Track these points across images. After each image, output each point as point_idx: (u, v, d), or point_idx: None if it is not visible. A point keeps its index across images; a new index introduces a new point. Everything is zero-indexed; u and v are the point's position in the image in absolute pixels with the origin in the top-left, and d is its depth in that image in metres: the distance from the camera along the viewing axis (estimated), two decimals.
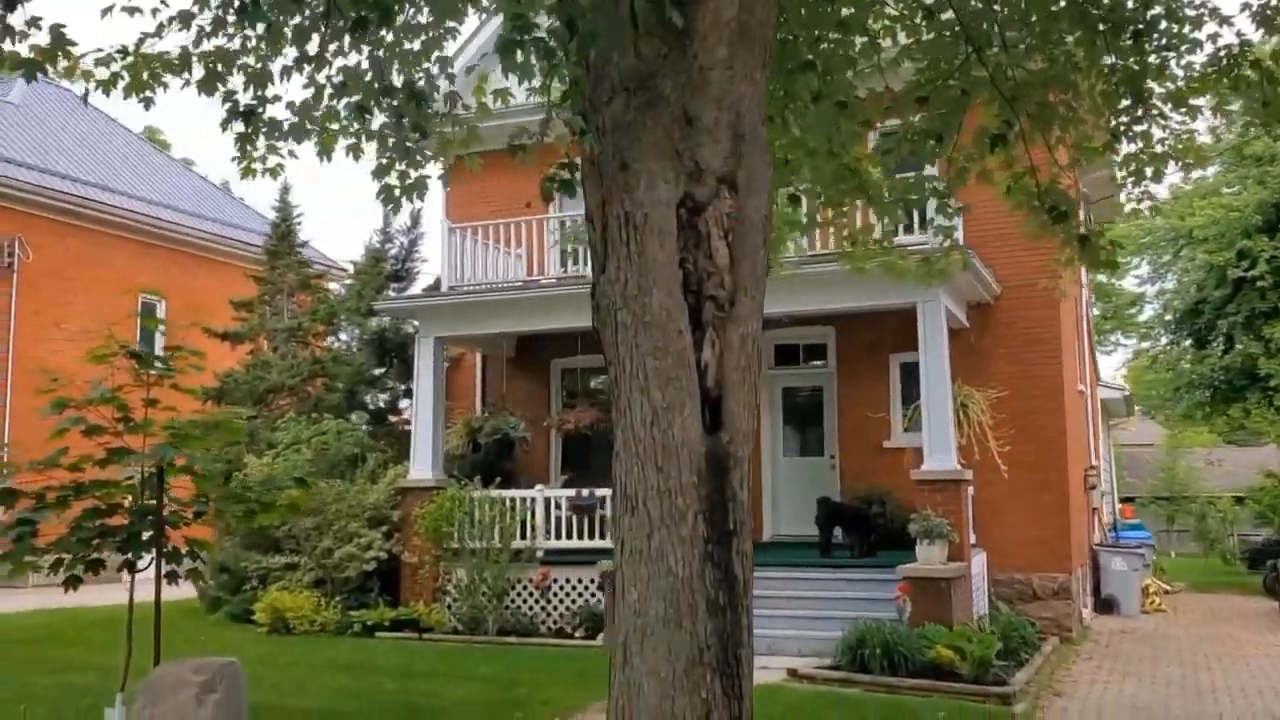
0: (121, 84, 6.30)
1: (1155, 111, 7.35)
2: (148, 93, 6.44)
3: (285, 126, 5.67)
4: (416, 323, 16.44)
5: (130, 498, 7.50)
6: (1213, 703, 10.14)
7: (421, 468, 14.87)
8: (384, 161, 5.60)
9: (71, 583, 7.29)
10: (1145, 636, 15.08)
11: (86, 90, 6.27)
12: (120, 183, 26.66)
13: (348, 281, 19.31)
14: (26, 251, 23.07)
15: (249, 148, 6.26)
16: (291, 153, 6.53)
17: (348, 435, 14.95)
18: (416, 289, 19.03)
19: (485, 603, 13.68)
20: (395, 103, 5.15)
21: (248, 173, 6.71)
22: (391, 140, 5.50)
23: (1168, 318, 38.58)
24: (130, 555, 7.36)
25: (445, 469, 15.21)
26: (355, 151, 6.18)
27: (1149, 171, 7.75)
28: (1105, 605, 17.73)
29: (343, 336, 18.91)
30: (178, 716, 6.84)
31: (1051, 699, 10.20)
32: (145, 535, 7.42)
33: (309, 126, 5.70)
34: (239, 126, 5.52)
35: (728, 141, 5.26)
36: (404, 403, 17.87)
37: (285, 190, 19.36)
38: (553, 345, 17.10)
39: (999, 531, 14.35)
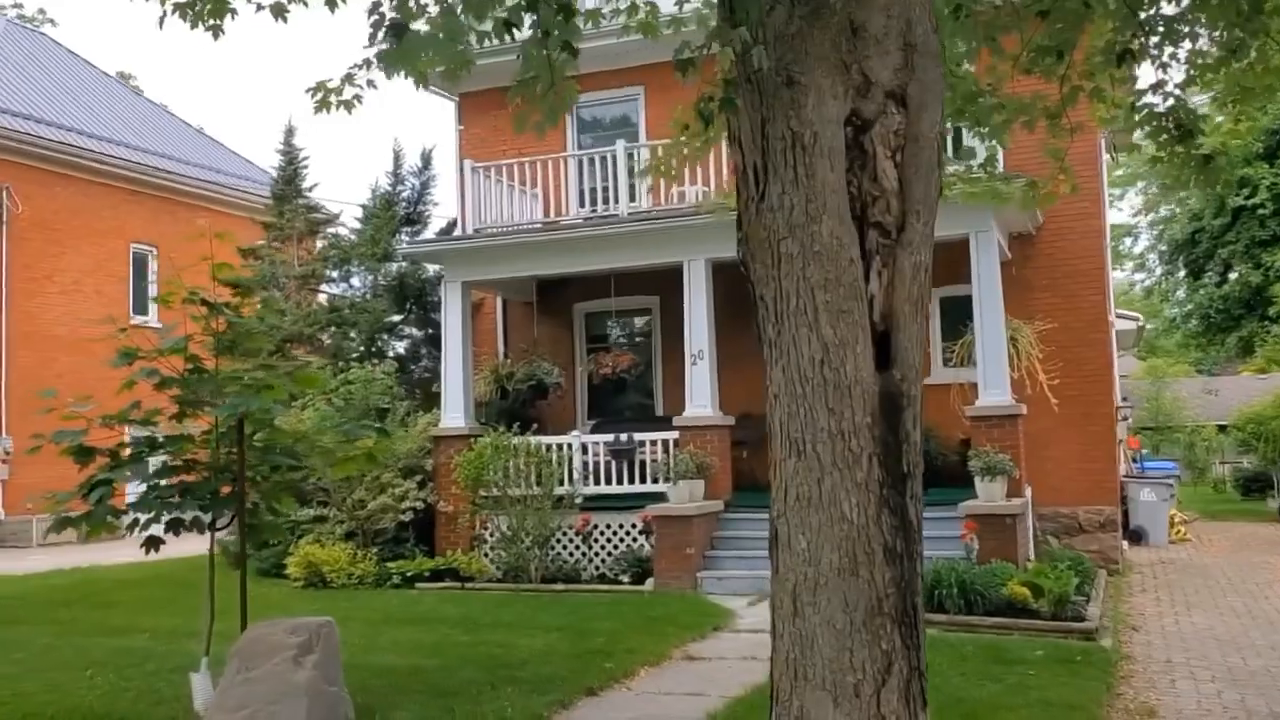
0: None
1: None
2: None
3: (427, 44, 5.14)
4: (437, 267, 15.97)
5: (207, 452, 7.11)
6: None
7: (454, 415, 14.48)
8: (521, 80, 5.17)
9: (151, 543, 6.91)
10: (1186, 567, 15.02)
11: (163, 14, 5.80)
12: (106, 129, 25.79)
13: (357, 226, 18.66)
14: (16, 202, 22.29)
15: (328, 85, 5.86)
16: (371, 82, 6.09)
17: (376, 384, 14.50)
18: (430, 233, 18.52)
19: (528, 550, 13.38)
20: (539, 16, 4.70)
21: (323, 105, 6.26)
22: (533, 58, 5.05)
23: (1163, 248, 38.53)
24: (211, 514, 6.97)
25: (475, 416, 14.85)
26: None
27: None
28: (1134, 536, 17.68)
29: (354, 283, 18.35)
30: (276, 680, 6.50)
31: (1130, 633, 10.05)
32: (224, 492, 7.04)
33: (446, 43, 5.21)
34: (387, 43, 5.01)
35: (898, 52, 4.84)
36: (424, 349, 17.42)
37: (290, 132, 18.69)
38: (576, 289, 16.69)
39: (1043, 466, 14.15)
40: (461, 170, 15.63)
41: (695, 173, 14.28)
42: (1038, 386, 13.62)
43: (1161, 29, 6.86)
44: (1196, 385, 35.95)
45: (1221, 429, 32.40)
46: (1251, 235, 32.24)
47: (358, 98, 6.21)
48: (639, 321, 16.78)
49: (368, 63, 5.58)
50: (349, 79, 5.96)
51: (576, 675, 7.95)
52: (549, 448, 13.97)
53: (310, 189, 18.73)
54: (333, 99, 6.20)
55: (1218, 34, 7.29)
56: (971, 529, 11.27)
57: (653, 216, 14.27)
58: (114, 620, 11.52)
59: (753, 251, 5.10)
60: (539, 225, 15.69)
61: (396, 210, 17.85)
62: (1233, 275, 33.99)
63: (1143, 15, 6.72)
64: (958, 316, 15.23)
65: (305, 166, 18.32)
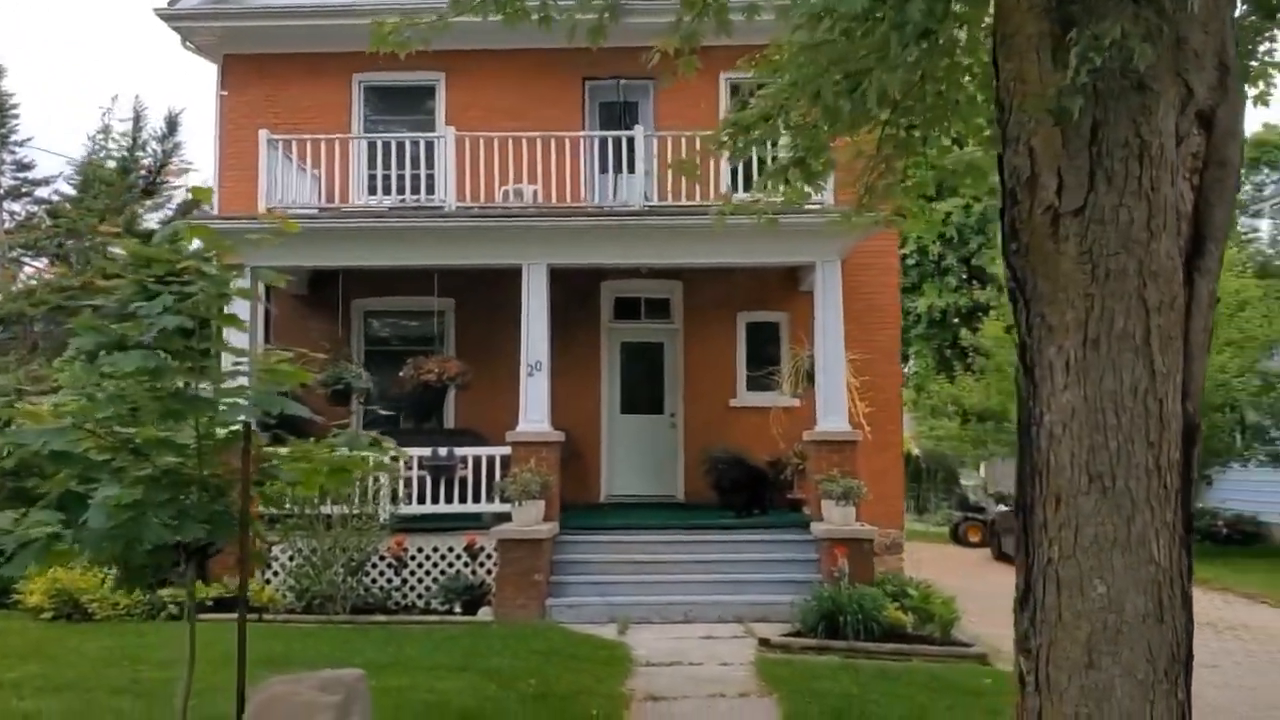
0: None
1: None
2: None
3: None
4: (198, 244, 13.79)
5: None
6: None
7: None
8: None
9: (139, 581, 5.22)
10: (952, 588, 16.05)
11: None
12: None
13: (72, 194, 15.75)
14: None
15: None
16: None
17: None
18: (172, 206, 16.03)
19: (337, 578, 11.83)
20: None
21: None
22: None
23: None
24: (213, 541, 5.43)
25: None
26: None
27: None
28: None
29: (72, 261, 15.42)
30: None
31: (995, 653, 10.45)
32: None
33: None
34: None
35: (1213, 70, 4.61)
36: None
37: None
38: (356, 284, 15.17)
39: None
40: (255, 143, 13.59)
41: (548, 171, 13.45)
42: (852, 414, 14.05)
43: None
44: None
45: None
46: None
47: None
48: (426, 324, 15.49)
49: None
50: None
51: None
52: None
53: (21, 143, 15.59)
54: None
55: None
56: (843, 553, 11.33)
57: (487, 215, 13.20)
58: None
59: (1035, 265, 4.66)
60: (358, 210, 14.06)
61: (134, 179, 15.26)
62: None
63: None
64: (761, 341, 15.47)
65: (15, 116, 15.19)
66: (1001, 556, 21.30)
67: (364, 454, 6.33)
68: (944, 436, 30.69)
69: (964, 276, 34.05)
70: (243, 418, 5.34)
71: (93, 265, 15.06)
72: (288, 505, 11.91)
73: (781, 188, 7.97)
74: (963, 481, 36.86)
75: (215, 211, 14.99)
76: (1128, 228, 4.43)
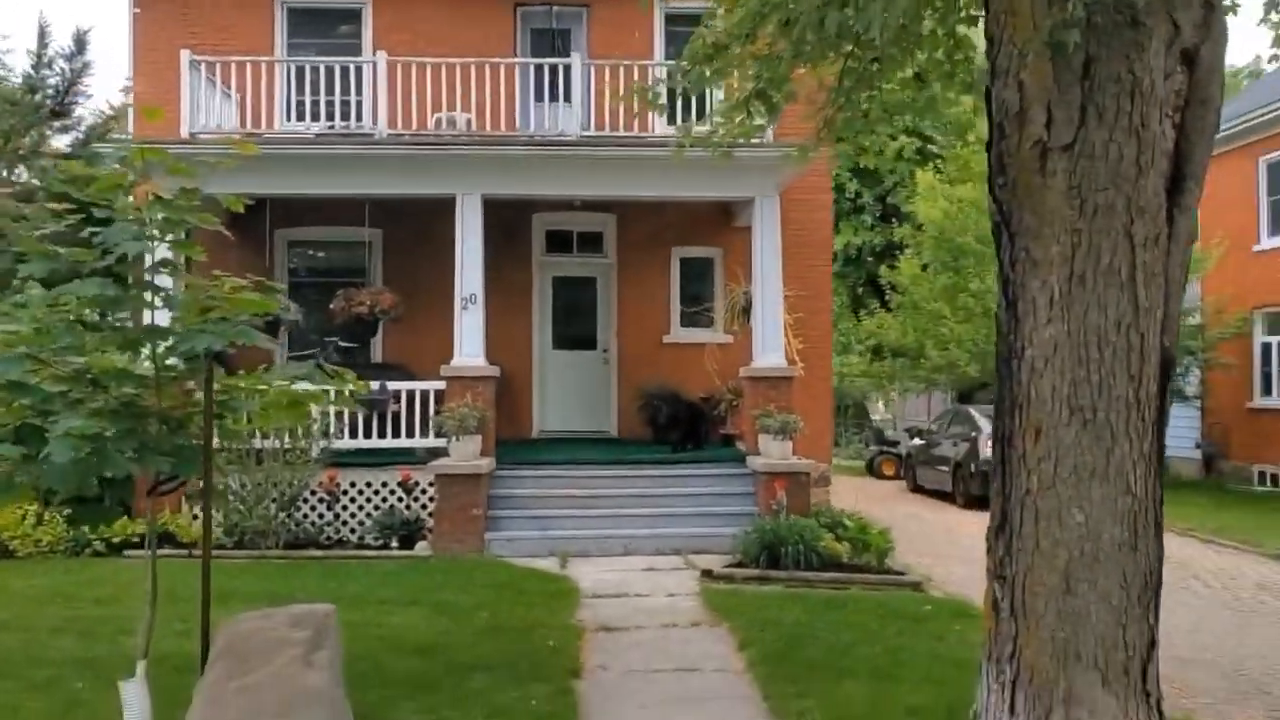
0: None
1: None
2: None
3: None
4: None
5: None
6: None
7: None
8: None
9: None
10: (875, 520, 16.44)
11: None
12: None
13: None
14: None
15: None
16: None
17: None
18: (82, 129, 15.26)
19: (268, 513, 11.61)
20: None
21: None
22: None
23: None
24: (179, 477, 5.26)
25: None
26: None
27: None
28: None
29: None
30: (284, 686, 5.11)
31: (927, 581, 10.74)
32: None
33: None
34: None
35: (1199, 8, 4.67)
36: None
37: None
38: (278, 213, 14.69)
39: None
40: (169, 65, 13.00)
41: (481, 99, 13.13)
42: (787, 350, 14.17)
43: None
44: None
45: None
46: None
47: None
48: (353, 256, 15.14)
49: None
50: None
51: (530, 657, 7.01)
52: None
53: None
54: None
55: None
56: (783, 486, 11.48)
57: (421, 142, 12.85)
58: None
59: (1021, 199, 4.71)
60: (285, 136, 13.54)
61: (43, 99, 14.50)
62: None
63: None
64: (694, 277, 15.47)
65: None
66: (917, 489, 21.91)
67: (325, 387, 6.19)
68: (850, 373, 31.28)
69: (879, 214, 34.41)
70: (207, 346, 5.11)
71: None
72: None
73: (737, 119, 7.92)
74: (872, 416, 37.69)
75: (130, 136, 14.36)
76: (1117, 164, 4.49)
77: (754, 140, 8.94)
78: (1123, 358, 4.55)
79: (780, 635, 7.57)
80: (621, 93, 11.58)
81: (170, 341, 5.20)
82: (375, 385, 12.58)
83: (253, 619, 5.30)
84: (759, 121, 7.55)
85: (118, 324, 5.33)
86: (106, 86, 44.16)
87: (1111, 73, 4.46)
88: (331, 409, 12.30)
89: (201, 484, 5.67)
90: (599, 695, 6.39)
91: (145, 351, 5.28)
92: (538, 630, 7.84)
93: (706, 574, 10.22)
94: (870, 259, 33.50)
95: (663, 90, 9.46)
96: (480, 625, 7.98)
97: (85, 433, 4.63)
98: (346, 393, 6.19)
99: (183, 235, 5.53)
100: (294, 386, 6.24)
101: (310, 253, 15.38)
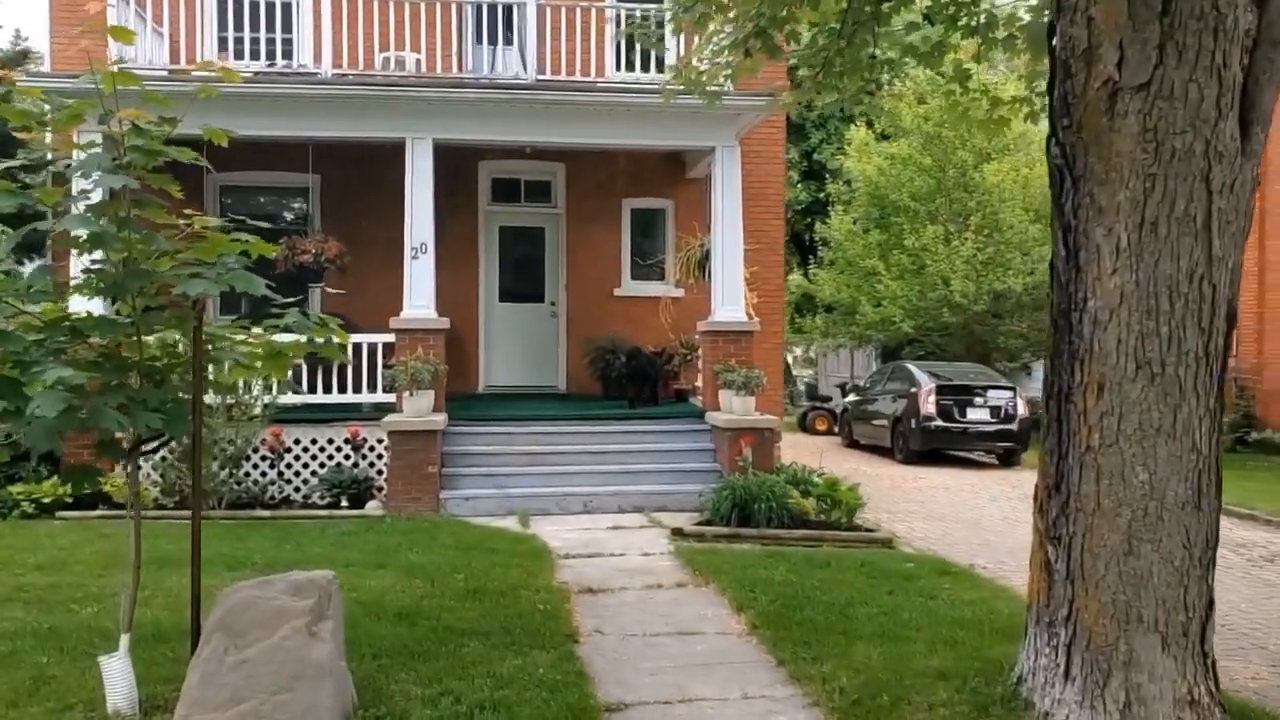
0: None
1: None
2: None
3: None
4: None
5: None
6: (994, 532, 11.28)
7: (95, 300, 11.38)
8: None
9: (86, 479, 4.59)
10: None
11: None
12: None
13: None
14: None
15: None
16: None
17: None
18: None
19: (212, 471, 11.03)
20: None
21: None
22: None
23: None
24: (165, 435, 4.80)
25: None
26: None
27: None
28: None
29: None
30: (287, 659, 4.73)
31: (895, 538, 10.66)
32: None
33: None
34: None
35: None
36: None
37: None
38: (212, 158, 13.81)
39: None
40: None
41: (432, 39, 12.51)
42: (746, 304, 13.92)
43: None
44: None
45: None
46: None
47: None
48: (291, 203, 14.44)
49: None
50: None
51: (521, 622, 6.69)
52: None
53: None
54: None
55: None
56: (749, 442, 11.26)
57: (367, 83, 12.21)
58: None
59: (1087, 143, 4.47)
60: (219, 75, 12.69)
61: None
62: None
63: None
64: (646, 229, 15.11)
65: None
66: (852, 444, 21.98)
67: (315, 335, 5.74)
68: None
69: (804, 171, 34.32)
70: (201, 291, 4.64)
71: None
72: None
73: (730, 59, 7.60)
74: (794, 372, 37.80)
75: (48, 69, 13.41)
76: (1197, 105, 4.27)
77: (712, 89, 8.53)
78: (1194, 310, 4.37)
79: (774, 596, 7.37)
80: (634, 28, 11.19)
81: (154, 287, 4.71)
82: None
83: (249, 588, 4.88)
84: (759, 61, 7.23)
85: (96, 265, 4.79)
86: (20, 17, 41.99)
87: (1194, 8, 4.22)
88: None
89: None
90: (602, 661, 6.10)
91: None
92: (521, 592, 7.52)
93: (677, 532, 9.98)
94: (794, 215, 33.43)
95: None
96: (459, 588, 7.61)
97: (73, 384, 4.15)
98: (335, 342, 5.72)
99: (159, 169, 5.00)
100: (274, 337, 5.82)
101: (246, 199, 14.61)
